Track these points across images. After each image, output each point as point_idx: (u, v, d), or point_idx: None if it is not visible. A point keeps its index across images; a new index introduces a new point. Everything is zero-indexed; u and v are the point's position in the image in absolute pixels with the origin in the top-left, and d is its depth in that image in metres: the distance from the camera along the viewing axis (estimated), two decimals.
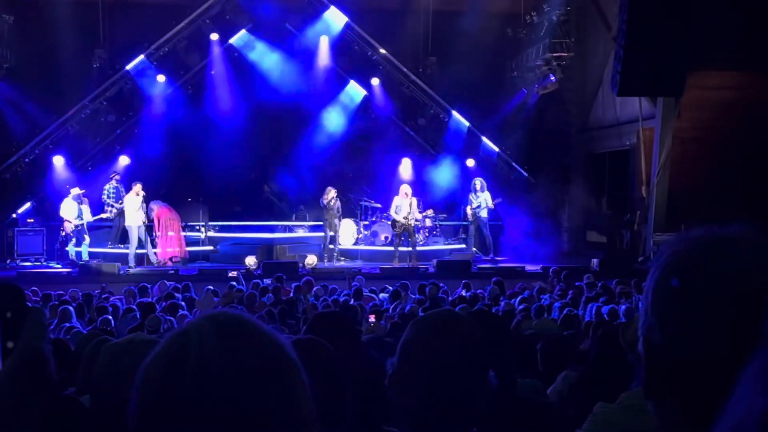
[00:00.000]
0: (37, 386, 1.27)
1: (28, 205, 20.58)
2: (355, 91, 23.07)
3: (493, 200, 19.76)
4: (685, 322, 1.15)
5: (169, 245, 19.15)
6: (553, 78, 21.26)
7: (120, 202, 19.28)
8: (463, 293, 12.94)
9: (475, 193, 19.72)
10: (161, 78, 21.62)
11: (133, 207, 18.50)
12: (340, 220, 19.74)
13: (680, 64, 16.35)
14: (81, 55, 21.17)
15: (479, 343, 2.20)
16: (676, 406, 1.17)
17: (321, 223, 19.92)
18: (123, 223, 19.56)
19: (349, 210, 20.93)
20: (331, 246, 19.63)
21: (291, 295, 12.83)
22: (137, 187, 18.61)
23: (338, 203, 19.45)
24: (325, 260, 19.23)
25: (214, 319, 1.20)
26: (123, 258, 18.73)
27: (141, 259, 18.76)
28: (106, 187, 19.64)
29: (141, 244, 18.64)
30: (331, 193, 19.33)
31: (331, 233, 19.53)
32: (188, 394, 1.12)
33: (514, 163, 22.45)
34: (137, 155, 21.26)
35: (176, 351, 1.17)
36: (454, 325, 2.22)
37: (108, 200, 19.45)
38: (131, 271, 17.98)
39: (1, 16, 20.15)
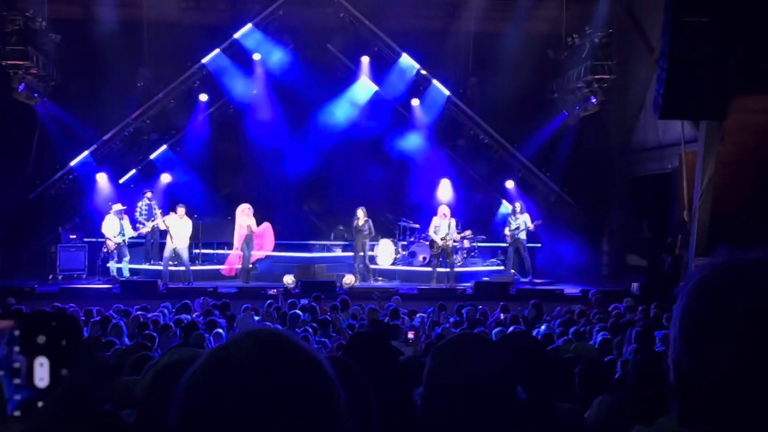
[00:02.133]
0: (82, 415, 1.29)
1: None
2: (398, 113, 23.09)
3: (532, 222, 19.68)
4: (712, 349, 1.15)
5: (237, 261, 19.59)
6: (594, 100, 21.17)
7: (151, 219, 19.41)
8: (501, 316, 12.86)
9: (515, 215, 19.67)
10: (204, 97, 21.88)
11: (177, 227, 18.63)
12: (370, 242, 19.73)
13: (724, 88, 16.17)
14: (125, 73, 21.48)
15: (504, 365, 2.19)
16: None
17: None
18: (155, 240, 19.76)
19: (387, 230, 20.89)
20: (362, 266, 19.60)
21: (328, 314, 12.84)
22: (181, 210, 18.69)
23: (369, 224, 19.44)
24: (356, 280, 19.16)
25: (255, 336, 1.22)
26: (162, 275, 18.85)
27: (176, 277, 18.87)
28: (139, 204, 19.78)
29: (182, 262, 18.74)
30: (361, 214, 19.36)
31: (361, 254, 19.52)
32: (227, 409, 1.13)
33: (554, 185, 22.34)
34: (178, 173, 21.47)
35: (217, 366, 1.18)
36: (474, 348, 2.21)
37: (140, 218, 19.59)
38: (170, 286, 18.10)
39: (47, 35, 20.53)
